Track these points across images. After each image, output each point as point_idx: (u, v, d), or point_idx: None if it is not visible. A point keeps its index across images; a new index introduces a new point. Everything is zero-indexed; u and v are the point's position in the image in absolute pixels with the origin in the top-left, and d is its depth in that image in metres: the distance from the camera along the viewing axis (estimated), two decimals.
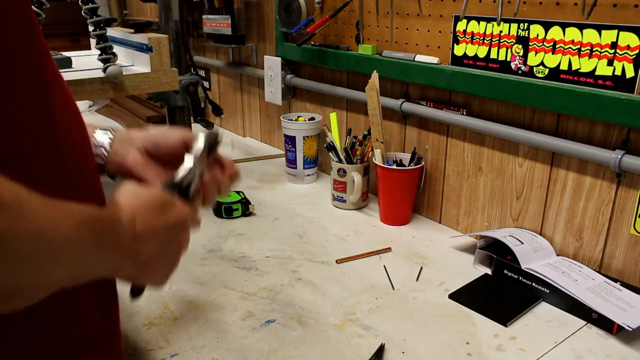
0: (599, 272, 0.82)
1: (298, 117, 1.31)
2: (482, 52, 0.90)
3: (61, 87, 0.50)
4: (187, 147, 0.64)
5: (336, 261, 0.92)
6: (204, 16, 1.57)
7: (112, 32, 1.43)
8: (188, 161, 0.59)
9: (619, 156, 0.75)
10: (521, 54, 0.85)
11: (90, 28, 1.11)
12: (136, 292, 0.57)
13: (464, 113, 0.97)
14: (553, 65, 0.81)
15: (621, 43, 0.73)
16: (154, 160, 0.65)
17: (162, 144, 0.65)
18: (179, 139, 0.65)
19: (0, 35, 0.41)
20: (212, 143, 0.62)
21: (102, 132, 0.66)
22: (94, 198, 0.53)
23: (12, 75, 0.43)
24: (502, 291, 0.84)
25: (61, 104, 0.50)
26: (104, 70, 1.09)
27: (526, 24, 0.83)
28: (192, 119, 1.38)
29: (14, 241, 0.34)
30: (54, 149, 0.47)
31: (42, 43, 0.47)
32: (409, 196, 1.06)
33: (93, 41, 1.09)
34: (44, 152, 0.46)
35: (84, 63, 1.32)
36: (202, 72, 1.84)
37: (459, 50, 0.94)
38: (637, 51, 0.72)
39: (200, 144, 0.61)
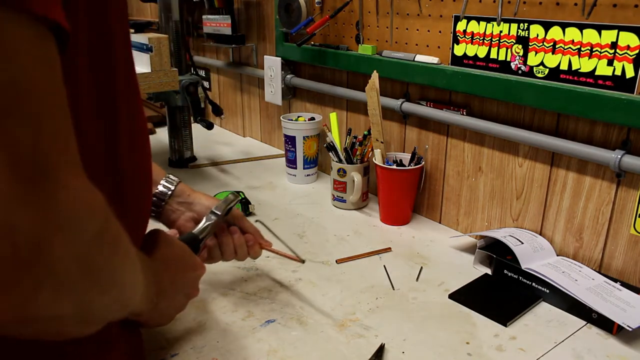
0: (599, 272, 0.82)
1: (298, 117, 1.31)
2: (482, 52, 0.90)
3: (141, 109, 0.55)
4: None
5: (336, 261, 0.92)
6: (204, 16, 1.57)
7: None
8: (207, 220, 0.74)
9: (619, 156, 0.75)
10: (521, 54, 0.85)
11: None
12: None
13: (464, 113, 0.97)
14: (553, 65, 0.81)
15: (621, 43, 0.73)
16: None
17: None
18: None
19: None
20: (230, 207, 0.76)
21: (165, 186, 0.78)
22: (145, 219, 0.58)
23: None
24: (502, 291, 0.84)
25: (143, 127, 0.55)
26: None
27: (526, 24, 0.83)
28: (192, 119, 1.38)
29: (113, 271, 0.38)
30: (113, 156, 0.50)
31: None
32: (409, 196, 1.06)
33: None
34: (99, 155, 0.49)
35: None
36: (202, 72, 1.84)
37: (459, 50, 0.94)
38: (637, 51, 0.72)
39: (219, 208, 0.75)
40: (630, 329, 0.68)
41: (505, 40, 0.87)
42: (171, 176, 0.80)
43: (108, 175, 0.48)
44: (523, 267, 0.82)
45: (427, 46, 1.00)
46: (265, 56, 1.41)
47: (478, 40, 0.91)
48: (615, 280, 0.80)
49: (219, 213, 0.75)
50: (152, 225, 0.66)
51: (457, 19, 0.93)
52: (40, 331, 0.36)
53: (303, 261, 0.83)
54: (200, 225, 0.74)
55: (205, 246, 0.75)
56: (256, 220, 0.86)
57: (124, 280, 0.41)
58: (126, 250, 0.41)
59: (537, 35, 0.82)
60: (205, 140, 1.60)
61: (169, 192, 0.78)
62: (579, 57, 0.78)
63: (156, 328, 0.74)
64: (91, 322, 0.39)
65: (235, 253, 0.78)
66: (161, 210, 0.78)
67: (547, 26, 0.81)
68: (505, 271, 0.85)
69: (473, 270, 0.90)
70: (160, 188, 0.78)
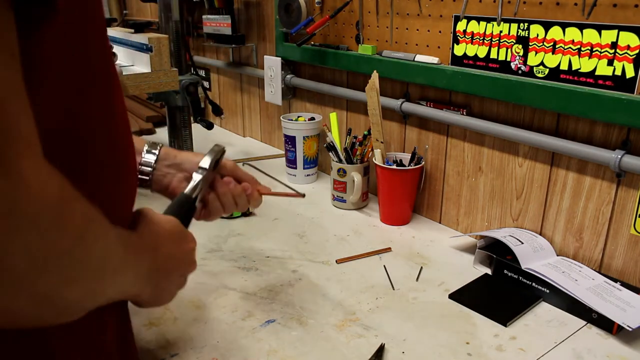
0: (599, 272, 0.82)
1: (298, 117, 1.31)
2: (482, 52, 0.90)
3: (119, 89, 0.52)
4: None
5: (336, 261, 0.92)
6: (204, 16, 1.57)
7: (112, 32, 1.43)
8: (196, 177, 0.70)
9: (619, 156, 0.75)
10: (521, 54, 0.85)
11: None
12: None
13: (464, 113, 0.97)
14: (553, 65, 0.81)
15: (621, 43, 0.73)
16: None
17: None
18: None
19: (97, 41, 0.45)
20: (217, 158, 0.72)
21: (149, 151, 0.75)
22: (131, 195, 0.56)
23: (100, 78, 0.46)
24: (502, 291, 0.84)
25: (121, 106, 0.52)
26: None
27: (526, 24, 0.83)
28: (192, 119, 1.38)
29: (78, 260, 0.36)
30: (112, 146, 0.49)
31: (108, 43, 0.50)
32: (409, 196, 1.06)
33: None
34: (102, 149, 0.48)
35: None
36: (202, 72, 1.84)
37: (459, 50, 0.94)
38: (637, 51, 0.72)
39: (206, 162, 0.71)
40: (630, 329, 0.68)
41: (505, 40, 0.87)
42: (152, 142, 0.76)
43: (83, 154, 0.45)
44: (523, 267, 0.82)
45: (427, 46, 1.00)
46: (265, 56, 1.41)
47: (478, 40, 0.91)
48: (615, 280, 0.80)
49: (206, 167, 0.71)
50: (147, 197, 0.66)
51: (457, 19, 0.93)
52: None
53: (303, 195, 0.81)
54: (191, 184, 0.70)
55: (202, 204, 0.72)
56: (244, 164, 0.83)
57: (97, 267, 0.38)
58: (98, 234, 0.38)
59: (537, 35, 0.82)
60: (205, 140, 1.60)
61: (155, 158, 0.74)
62: (579, 57, 0.78)
63: (155, 327, 0.74)
64: (63, 312, 0.37)
65: (236, 204, 0.75)
66: (151, 177, 0.74)
67: (547, 26, 0.81)
68: (505, 271, 0.85)
69: (473, 270, 0.90)
70: (145, 155, 0.74)
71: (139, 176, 0.73)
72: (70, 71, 0.42)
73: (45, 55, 0.39)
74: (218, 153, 0.73)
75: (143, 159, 0.74)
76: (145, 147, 0.74)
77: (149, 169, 0.74)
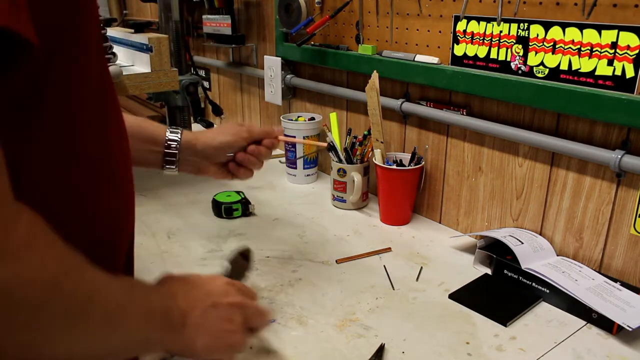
0: (599, 272, 0.82)
1: (298, 117, 1.31)
2: (482, 52, 0.90)
3: (114, 95, 0.52)
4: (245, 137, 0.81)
5: (336, 261, 0.92)
6: (204, 16, 1.57)
7: (112, 32, 1.43)
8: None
9: (619, 156, 0.75)
10: (521, 54, 0.85)
11: None
12: None
13: (464, 113, 0.97)
14: (553, 65, 0.81)
15: (621, 43, 0.73)
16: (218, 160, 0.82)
17: (233, 151, 0.81)
18: (242, 141, 0.81)
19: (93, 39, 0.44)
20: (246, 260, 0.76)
21: (172, 132, 0.78)
22: (130, 204, 0.55)
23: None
24: (502, 291, 0.84)
25: (115, 113, 0.51)
26: None
27: (526, 24, 0.83)
28: (192, 119, 1.38)
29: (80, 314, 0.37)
30: (107, 155, 0.48)
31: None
32: (409, 196, 1.06)
33: None
34: (99, 158, 0.47)
35: None
36: (202, 72, 1.84)
37: (459, 50, 0.94)
38: (637, 51, 0.72)
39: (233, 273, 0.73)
40: (630, 329, 0.68)
41: (505, 40, 0.87)
42: (172, 128, 0.80)
43: (78, 169, 0.45)
44: (523, 267, 0.82)
45: (427, 46, 1.00)
46: (265, 56, 1.41)
47: (478, 40, 0.91)
48: (615, 280, 0.80)
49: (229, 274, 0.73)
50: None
51: (457, 19, 0.93)
52: None
53: (327, 145, 0.89)
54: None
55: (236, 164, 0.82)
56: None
57: (96, 322, 0.39)
58: (93, 291, 0.39)
59: (537, 35, 0.82)
60: None
61: (178, 136, 0.78)
62: (579, 57, 0.78)
63: None
64: None
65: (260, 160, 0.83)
66: (177, 160, 0.78)
67: (547, 26, 0.81)
68: (505, 271, 0.85)
69: (473, 270, 0.90)
70: (169, 135, 0.78)
71: (167, 157, 0.77)
72: (66, 103, 0.42)
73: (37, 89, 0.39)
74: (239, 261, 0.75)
75: (168, 141, 0.77)
76: (168, 130, 0.78)
77: (175, 150, 0.77)
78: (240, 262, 0.75)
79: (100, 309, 0.39)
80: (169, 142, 0.77)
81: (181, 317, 0.51)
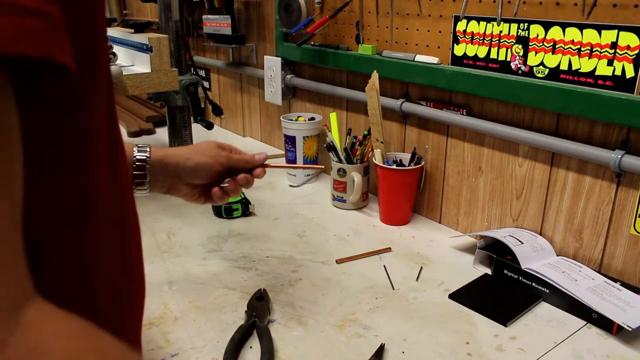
0: (599, 272, 0.82)
1: (298, 117, 1.31)
2: (482, 52, 0.90)
3: (118, 129, 0.47)
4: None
5: (336, 261, 0.92)
6: (204, 16, 1.57)
7: (112, 32, 1.43)
8: None
9: (619, 156, 0.75)
10: (521, 54, 0.85)
11: None
12: None
13: (464, 113, 0.97)
14: (553, 65, 0.81)
15: (621, 43, 0.73)
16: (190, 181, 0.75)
17: (205, 175, 0.74)
18: (219, 167, 0.75)
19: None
20: None
21: (140, 149, 0.71)
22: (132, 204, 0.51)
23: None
24: (502, 291, 0.84)
25: (121, 152, 0.46)
26: None
27: (526, 24, 0.83)
28: (192, 119, 1.38)
29: None
30: (113, 159, 0.43)
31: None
32: (409, 196, 1.06)
33: None
34: (105, 161, 0.42)
35: None
36: (202, 72, 1.84)
37: (459, 50, 0.94)
38: (637, 51, 0.72)
39: None
40: (630, 329, 0.68)
41: (505, 40, 0.87)
42: (140, 146, 0.73)
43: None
44: (523, 267, 0.82)
45: (427, 46, 1.00)
46: (265, 56, 1.41)
47: (478, 40, 0.91)
48: (615, 280, 0.80)
49: None
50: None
51: (457, 19, 0.93)
52: None
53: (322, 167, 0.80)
54: None
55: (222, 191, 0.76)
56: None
57: None
58: None
59: (537, 35, 0.82)
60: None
61: (146, 155, 0.71)
62: (579, 57, 0.78)
63: (155, 327, 0.74)
64: None
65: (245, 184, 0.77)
66: (148, 182, 0.72)
67: (547, 26, 0.81)
68: (505, 271, 0.85)
69: (473, 270, 0.90)
70: (137, 154, 0.71)
71: (136, 179, 0.71)
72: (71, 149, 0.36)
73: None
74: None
75: (136, 159, 0.71)
76: (136, 148, 0.72)
77: (143, 171, 0.71)
78: (258, 305, 0.76)
79: None
80: (137, 163, 0.70)
81: None
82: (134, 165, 0.70)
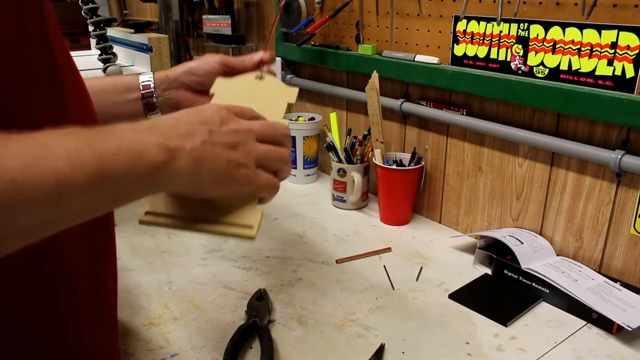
0: (599, 272, 0.82)
1: (298, 117, 1.31)
2: (482, 52, 0.90)
3: (72, 72, 0.47)
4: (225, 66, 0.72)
5: (336, 261, 0.92)
6: (204, 16, 1.57)
7: (112, 32, 1.43)
8: None
9: (619, 156, 0.75)
10: (521, 54, 0.85)
11: (90, 28, 1.11)
12: None
13: (464, 113, 0.97)
14: (553, 65, 0.81)
15: (621, 43, 0.73)
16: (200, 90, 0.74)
17: (200, 73, 0.72)
18: (214, 64, 0.73)
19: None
20: None
21: (143, 75, 0.73)
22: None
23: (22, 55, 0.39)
24: (502, 291, 0.84)
25: (74, 92, 0.46)
26: (104, 70, 1.09)
27: (526, 24, 0.83)
28: None
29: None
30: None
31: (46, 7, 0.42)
32: (409, 196, 1.06)
33: (93, 41, 1.10)
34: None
35: (84, 63, 1.32)
36: None
37: (459, 50, 0.94)
38: (637, 51, 0.72)
39: None
40: (630, 329, 0.68)
41: (505, 40, 0.87)
42: (143, 73, 0.76)
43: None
44: (523, 267, 0.82)
45: (427, 46, 1.00)
46: None
47: (478, 40, 0.91)
48: (615, 280, 0.80)
49: None
50: None
51: (457, 19, 0.93)
52: None
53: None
54: None
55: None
56: None
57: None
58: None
59: (537, 35, 0.82)
60: None
61: (150, 77, 0.74)
62: (579, 57, 0.78)
63: (155, 327, 0.74)
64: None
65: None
66: (158, 102, 0.73)
67: (547, 26, 0.81)
68: (505, 271, 0.85)
69: (473, 270, 0.90)
70: (142, 79, 0.73)
71: (145, 99, 0.73)
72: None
73: None
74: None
75: (142, 83, 0.73)
76: (140, 75, 0.74)
77: (151, 90, 0.73)
78: (258, 305, 0.76)
79: (5, 187, 0.30)
80: (143, 85, 0.72)
81: (168, 152, 0.42)
82: (141, 88, 0.72)
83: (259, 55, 0.73)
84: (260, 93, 0.66)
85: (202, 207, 0.51)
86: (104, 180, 0.36)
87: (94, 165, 0.35)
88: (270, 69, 0.73)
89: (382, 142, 1.05)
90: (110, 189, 0.38)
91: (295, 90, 0.67)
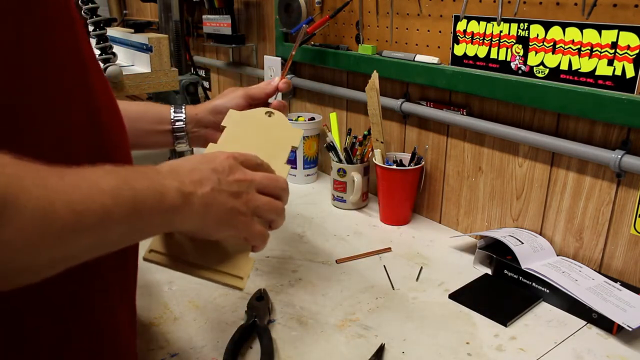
0: (599, 272, 0.82)
1: (298, 117, 1.31)
2: (482, 52, 0.90)
3: (98, 69, 0.50)
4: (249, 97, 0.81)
5: (336, 261, 0.92)
6: (204, 16, 1.57)
7: (112, 32, 1.43)
8: None
9: (619, 156, 0.75)
10: (521, 54, 0.85)
11: (90, 28, 1.11)
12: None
13: (464, 113, 0.97)
14: (553, 65, 0.81)
15: (621, 43, 0.73)
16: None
17: (225, 111, 0.76)
18: (238, 100, 0.80)
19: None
20: None
21: (176, 111, 0.81)
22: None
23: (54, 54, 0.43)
24: (502, 291, 0.84)
25: (101, 87, 0.49)
26: (104, 70, 1.09)
27: (526, 24, 0.83)
28: None
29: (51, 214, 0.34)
30: (97, 133, 0.47)
31: (74, 13, 0.46)
32: (409, 196, 1.06)
33: (93, 41, 1.09)
34: (87, 136, 0.46)
35: None
36: (202, 72, 1.84)
37: (459, 50, 0.94)
38: (637, 51, 0.72)
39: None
40: (630, 329, 0.68)
41: (505, 40, 0.87)
42: (176, 106, 0.82)
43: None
44: (523, 267, 0.82)
45: (427, 46, 1.00)
46: (265, 56, 1.41)
47: (478, 40, 0.91)
48: (615, 280, 0.80)
49: None
50: None
51: (457, 19, 0.93)
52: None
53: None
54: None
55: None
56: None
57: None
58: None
59: (537, 35, 0.82)
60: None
61: (183, 115, 0.81)
62: (579, 57, 0.78)
63: (155, 327, 0.74)
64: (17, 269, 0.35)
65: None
66: (187, 135, 0.81)
67: (547, 26, 0.81)
68: (505, 271, 0.85)
69: (473, 270, 0.90)
70: (174, 115, 0.81)
71: (176, 133, 0.80)
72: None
73: None
74: None
75: (175, 118, 0.80)
76: (172, 109, 0.81)
77: (182, 124, 0.80)
78: (258, 305, 0.76)
79: (29, 213, 0.34)
80: (175, 121, 0.80)
81: (183, 196, 0.47)
82: (172, 121, 0.80)
83: (275, 82, 0.83)
84: (268, 133, 0.71)
85: (200, 251, 0.57)
86: (136, 215, 0.42)
87: (130, 202, 0.41)
88: (281, 102, 0.82)
89: (382, 142, 1.05)
90: (139, 223, 0.43)
91: (300, 133, 0.73)
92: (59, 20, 0.43)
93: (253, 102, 0.81)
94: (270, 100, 0.83)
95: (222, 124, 0.72)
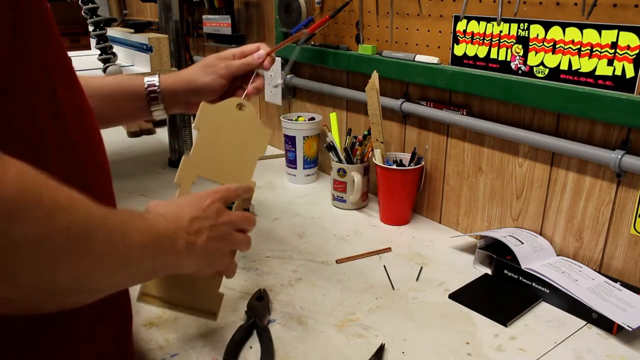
0: (599, 272, 0.82)
1: (298, 117, 1.31)
2: (482, 52, 0.90)
3: (66, 82, 0.50)
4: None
5: (336, 261, 0.92)
6: (204, 16, 1.57)
7: (112, 32, 1.43)
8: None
9: (619, 156, 0.75)
10: (521, 54, 0.85)
11: (90, 28, 1.11)
12: None
13: (464, 113, 0.97)
14: (553, 65, 0.81)
15: (621, 43, 0.73)
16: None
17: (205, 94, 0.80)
18: (220, 81, 0.80)
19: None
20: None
21: (150, 78, 0.81)
22: (105, 185, 0.55)
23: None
24: (502, 291, 0.84)
25: (69, 99, 0.49)
26: (104, 70, 1.09)
27: (526, 24, 0.83)
28: (191, 118, 1.38)
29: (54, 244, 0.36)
30: (67, 148, 0.47)
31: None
32: (409, 196, 1.06)
33: (93, 41, 1.10)
34: (57, 152, 0.46)
35: (84, 63, 1.32)
36: None
37: (459, 50, 0.94)
38: (637, 51, 0.72)
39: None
40: (630, 329, 0.68)
41: (505, 40, 0.87)
42: (149, 75, 0.82)
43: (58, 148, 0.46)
44: (523, 267, 0.82)
45: (427, 46, 1.00)
46: None
47: (478, 40, 0.91)
48: (615, 280, 0.80)
49: None
50: None
51: (457, 19, 0.93)
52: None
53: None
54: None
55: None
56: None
57: (78, 248, 0.37)
58: (73, 217, 0.37)
59: (537, 35, 0.82)
60: None
61: (157, 88, 0.81)
62: (579, 57, 0.78)
63: (155, 327, 0.74)
64: (56, 298, 0.38)
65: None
66: (163, 102, 0.82)
67: (547, 26, 0.81)
68: (505, 271, 0.85)
69: (473, 270, 0.90)
70: (147, 80, 0.81)
71: (150, 96, 0.80)
72: None
73: None
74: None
75: (147, 82, 0.80)
76: (145, 79, 0.81)
77: (155, 88, 0.80)
78: (258, 305, 0.77)
79: (101, 242, 0.39)
80: (149, 91, 0.80)
81: (187, 245, 0.54)
82: (147, 94, 0.81)
83: (261, 55, 0.82)
84: (238, 135, 0.74)
85: (179, 290, 0.68)
86: (158, 252, 0.48)
87: (156, 240, 0.48)
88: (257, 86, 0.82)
89: (382, 142, 1.05)
90: (158, 261, 0.49)
91: (268, 134, 0.75)
92: (30, 28, 0.43)
93: (234, 79, 0.81)
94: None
95: (195, 125, 0.72)
